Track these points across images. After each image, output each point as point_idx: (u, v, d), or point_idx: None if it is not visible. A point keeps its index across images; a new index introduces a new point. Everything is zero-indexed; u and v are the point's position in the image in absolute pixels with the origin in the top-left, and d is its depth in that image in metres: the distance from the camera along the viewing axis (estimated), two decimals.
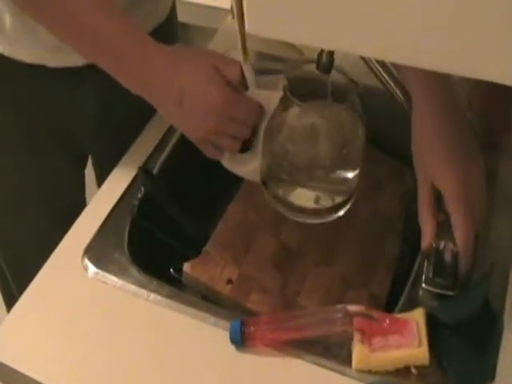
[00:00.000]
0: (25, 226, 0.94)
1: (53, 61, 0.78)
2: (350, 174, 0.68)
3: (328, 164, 0.68)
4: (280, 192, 0.69)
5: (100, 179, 1.00)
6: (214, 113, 0.65)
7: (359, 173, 0.69)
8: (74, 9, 0.66)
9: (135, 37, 0.67)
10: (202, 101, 0.65)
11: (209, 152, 0.70)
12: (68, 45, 0.69)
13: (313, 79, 0.65)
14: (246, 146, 0.70)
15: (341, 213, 0.70)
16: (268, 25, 0.43)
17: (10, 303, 1.10)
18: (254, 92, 0.67)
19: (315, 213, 0.70)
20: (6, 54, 0.77)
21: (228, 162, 0.72)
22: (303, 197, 0.69)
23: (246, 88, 0.67)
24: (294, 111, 0.67)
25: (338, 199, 0.69)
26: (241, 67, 0.66)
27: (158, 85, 0.66)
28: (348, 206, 0.70)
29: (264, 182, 0.70)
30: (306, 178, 0.69)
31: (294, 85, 0.64)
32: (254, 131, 0.69)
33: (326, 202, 0.70)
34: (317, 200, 0.70)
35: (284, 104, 0.66)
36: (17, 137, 0.86)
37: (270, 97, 0.67)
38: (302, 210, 0.69)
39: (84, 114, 0.86)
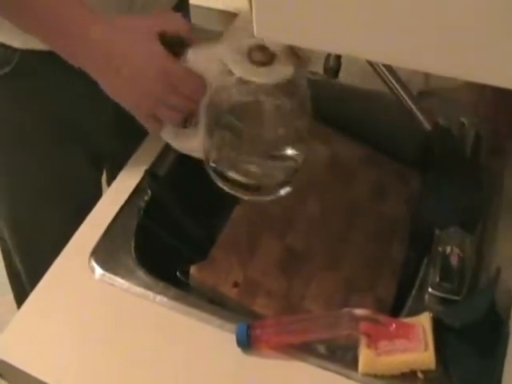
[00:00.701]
0: (41, 223, 0.94)
1: None
2: (293, 152, 0.68)
3: (271, 141, 0.67)
4: (222, 168, 0.69)
5: (111, 181, 1.00)
6: (157, 81, 0.65)
7: (304, 152, 0.68)
8: None
9: (71, 4, 0.66)
10: (145, 70, 0.65)
11: (150, 126, 0.70)
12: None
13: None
14: (188, 122, 0.69)
15: (282, 192, 0.70)
16: (276, 29, 0.44)
17: (22, 301, 1.10)
18: (195, 63, 0.66)
19: (257, 190, 0.69)
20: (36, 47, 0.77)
21: (171, 138, 0.70)
22: (246, 174, 0.69)
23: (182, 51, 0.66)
24: (236, 85, 0.65)
25: (280, 178, 0.69)
26: (183, 20, 0.66)
27: (97, 57, 0.66)
28: (289, 186, 0.70)
29: (206, 159, 0.70)
30: (248, 155, 0.68)
31: None
32: (197, 107, 0.68)
33: (268, 180, 0.70)
34: (258, 177, 0.69)
35: (226, 77, 0.65)
36: (38, 133, 0.85)
37: (210, 68, 0.66)
38: (243, 187, 0.69)
39: (99, 109, 0.85)
